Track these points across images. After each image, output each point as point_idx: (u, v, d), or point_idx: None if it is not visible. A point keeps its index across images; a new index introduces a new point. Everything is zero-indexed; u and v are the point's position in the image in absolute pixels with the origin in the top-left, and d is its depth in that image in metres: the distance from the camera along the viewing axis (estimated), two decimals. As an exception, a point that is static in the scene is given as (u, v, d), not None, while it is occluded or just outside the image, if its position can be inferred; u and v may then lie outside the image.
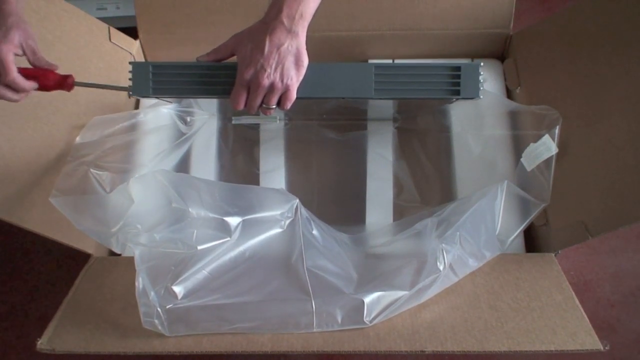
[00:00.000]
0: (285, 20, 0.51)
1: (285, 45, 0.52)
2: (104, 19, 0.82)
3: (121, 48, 0.84)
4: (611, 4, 0.66)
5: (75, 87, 0.59)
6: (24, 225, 0.64)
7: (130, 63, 0.59)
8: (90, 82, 0.60)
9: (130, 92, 0.60)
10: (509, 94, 0.84)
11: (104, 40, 0.82)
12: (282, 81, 0.54)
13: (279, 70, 0.53)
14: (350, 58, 0.88)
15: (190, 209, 0.60)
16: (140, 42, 0.87)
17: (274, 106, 0.56)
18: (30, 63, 0.56)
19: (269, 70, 0.53)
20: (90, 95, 0.76)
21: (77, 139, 0.73)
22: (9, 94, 0.54)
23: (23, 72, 0.54)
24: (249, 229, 0.61)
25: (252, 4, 0.80)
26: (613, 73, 0.64)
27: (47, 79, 0.56)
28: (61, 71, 0.58)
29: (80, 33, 0.78)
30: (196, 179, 0.63)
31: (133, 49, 0.86)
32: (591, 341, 0.56)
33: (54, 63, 0.56)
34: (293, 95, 0.56)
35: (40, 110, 0.69)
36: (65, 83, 0.57)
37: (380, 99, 0.60)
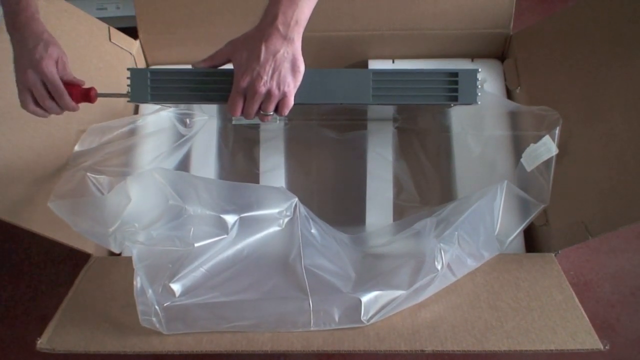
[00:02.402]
0: (280, 27, 0.50)
1: (281, 52, 0.51)
2: (104, 19, 0.83)
3: (121, 48, 0.85)
4: (611, 4, 0.66)
5: None
6: (25, 225, 0.64)
7: (128, 69, 0.60)
8: (109, 92, 0.61)
9: (129, 99, 0.60)
10: (509, 94, 0.84)
11: (104, 40, 0.82)
12: (278, 88, 0.53)
13: (275, 77, 0.52)
14: (351, 58, 0.88)
15: (187, 207, 0.60)
16: (140, 42, 0.87)
17: (272, 113, 0.56)
18: (60, 76, 0.57)
19: (265, 77, 0.52)
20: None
21: (76, 147, 0.73)
22: (56, 109, 0.57)
23: None
24: (247, 226, 0.61)
25: (252, 4, 0.80)
26: (613, 73, 0.64)
27: (73, 93, 0.57)
28: None
29: (80, 33, 0.78)
30: (194, 176, 0.63)
31: (133, 49, 0.86)
32: (591, 341, 0.55)
33: (80, 79, 0.58)
34: (290, 101, 0.55)
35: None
36: (89, 95, 0.59)
37: (378, 104, 0.60)
